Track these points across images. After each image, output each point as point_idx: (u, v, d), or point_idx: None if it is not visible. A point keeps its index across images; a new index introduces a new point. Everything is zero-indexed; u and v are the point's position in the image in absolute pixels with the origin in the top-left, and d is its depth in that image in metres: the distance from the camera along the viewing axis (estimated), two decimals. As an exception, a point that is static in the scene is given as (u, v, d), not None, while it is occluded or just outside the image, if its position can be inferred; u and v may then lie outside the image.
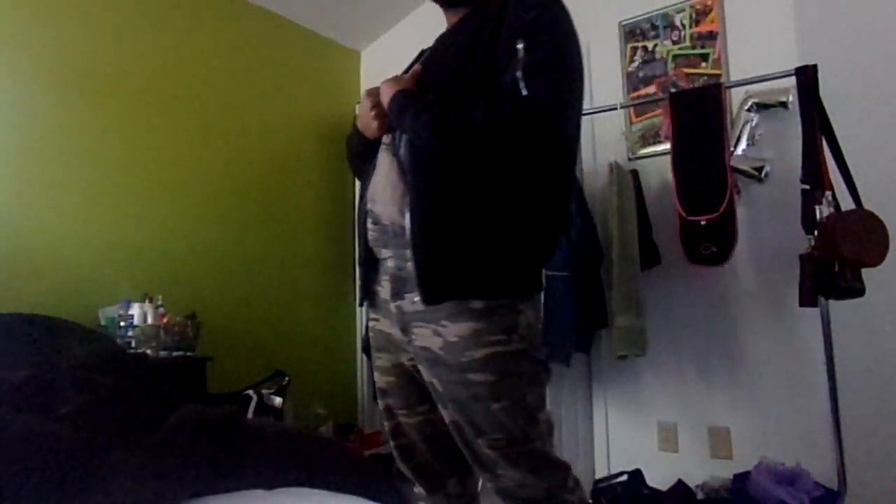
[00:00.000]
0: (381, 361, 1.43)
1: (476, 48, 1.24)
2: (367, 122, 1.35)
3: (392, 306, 1.30)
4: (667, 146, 2.53)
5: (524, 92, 1.13)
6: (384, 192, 1.30)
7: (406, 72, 1.40)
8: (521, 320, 1.24)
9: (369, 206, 1.35)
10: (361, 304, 1.46)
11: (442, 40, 1.40)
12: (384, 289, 1.33)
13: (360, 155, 1.43)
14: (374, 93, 1.35)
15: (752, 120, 2.48)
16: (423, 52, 1.48)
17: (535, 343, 1.28)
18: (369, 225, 1.34)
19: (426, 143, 1.21)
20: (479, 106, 1.15)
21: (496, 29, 1.22)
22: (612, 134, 2.89)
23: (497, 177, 1.21)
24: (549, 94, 1.15)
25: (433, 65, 1.36)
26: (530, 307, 1.27)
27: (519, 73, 1.14)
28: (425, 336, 1.25)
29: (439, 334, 1.22)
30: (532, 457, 1.26)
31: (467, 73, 1.24)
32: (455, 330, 1.21)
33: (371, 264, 1.37)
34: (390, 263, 1.31)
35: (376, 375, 1.46)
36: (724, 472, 2.39)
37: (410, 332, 1.28)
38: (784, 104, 2.44)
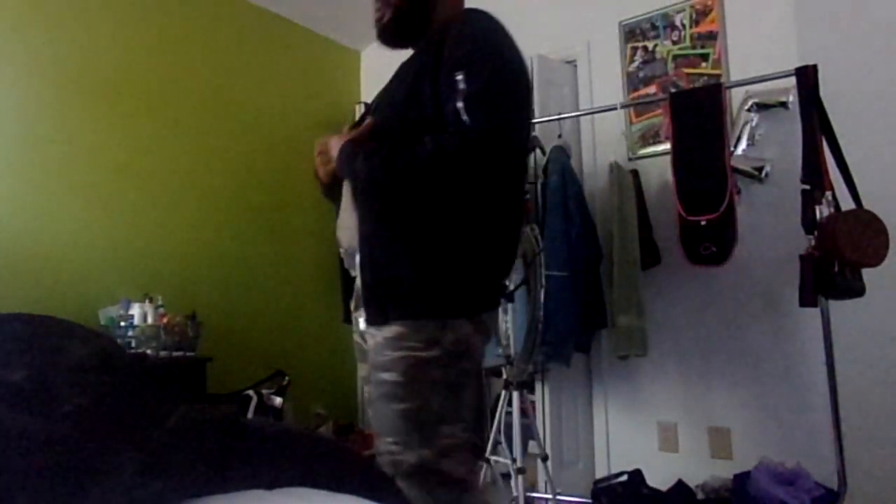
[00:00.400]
0: (362, 372, 1.48)
1: (422, 84, 1.27)
2: (315, 167, 1.46)
3: (353, 317, 1.42)
4: (667, 146, 2.53)
5: (466, 121, 1.16)
6: (345, 219, 1.39)
7: (362, 118, 1.47)
8: (448, 335, 1.24)
9: (337, 232, 1.45)
10: (348, 322, 1.52)
11: (395, 76, 1.44)
12: (354, 303, 1.43)
13: (328, 186, 1.50)
14: (322, 143, 1.44)
15: (752, 120, 2.48)
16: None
17: (464, 355, 1.26)
18: (340, 247, 1.45)
19: (379, 185, 1.26)
20: (426, 141, 1.19)
21: (437, 64, 1.25)
22: (612, 134, 2.89)
23: (440, 205, 1.24)
24: (489, 120, 1.18)
25: (385, 103, 1.41)
26: (465, 324, 1.26)
27: (460, 104, 1.17)
28: (370, 342, 1.30)
29: (374, 337, 1.28)
30: (424, 471, 1.21)
31: (415, 109, 1.27)
32: (384, 332, 1.25)
33: (348, 282, 1.47)
34: (358, 282, 1.40)
35: (364, 386, 1.52)
36: (724, 472, 2.39)
37: (366, 340, 1.34)
38: (784, 104, 2.44)
